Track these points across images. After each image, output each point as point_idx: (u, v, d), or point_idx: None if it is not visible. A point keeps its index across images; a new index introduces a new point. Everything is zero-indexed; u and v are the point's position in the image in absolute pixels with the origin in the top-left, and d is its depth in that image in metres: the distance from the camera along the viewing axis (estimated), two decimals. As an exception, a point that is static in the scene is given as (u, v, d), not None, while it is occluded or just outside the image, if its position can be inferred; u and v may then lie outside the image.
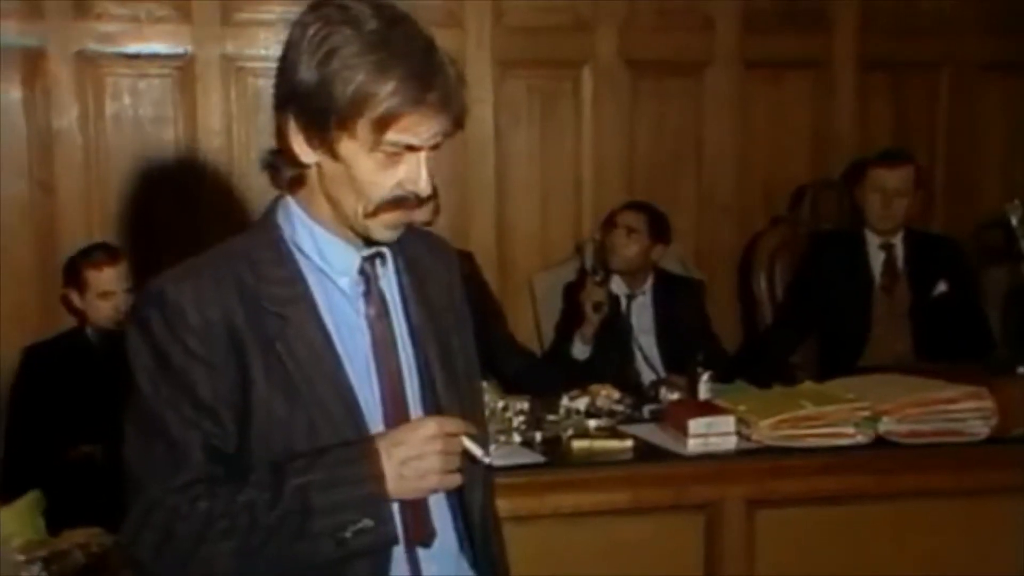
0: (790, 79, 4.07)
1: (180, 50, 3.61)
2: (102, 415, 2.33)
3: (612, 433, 2.56)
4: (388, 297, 1.43)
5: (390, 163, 1.32)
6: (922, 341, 3.48)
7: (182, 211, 3.55)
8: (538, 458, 2.40)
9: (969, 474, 2.43)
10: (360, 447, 1.32)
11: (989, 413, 2.46)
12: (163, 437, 1.31)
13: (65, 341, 3.17)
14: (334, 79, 1.29)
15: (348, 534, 1.30)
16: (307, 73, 1.31)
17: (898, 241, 3.58)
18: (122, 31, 3.56)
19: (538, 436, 2.52)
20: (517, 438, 2.45)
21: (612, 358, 3.44)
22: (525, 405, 2.65)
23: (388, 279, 1.45)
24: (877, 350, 3.47)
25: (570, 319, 3.51)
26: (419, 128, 1.31)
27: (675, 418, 2.54)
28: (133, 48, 3.57)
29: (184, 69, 3.61)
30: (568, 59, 3.97)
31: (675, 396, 2.79)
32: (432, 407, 1.42)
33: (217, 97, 3.64)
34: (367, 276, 1.42)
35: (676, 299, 3.58)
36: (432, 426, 1.34)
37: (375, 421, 1.38)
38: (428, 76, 1.30)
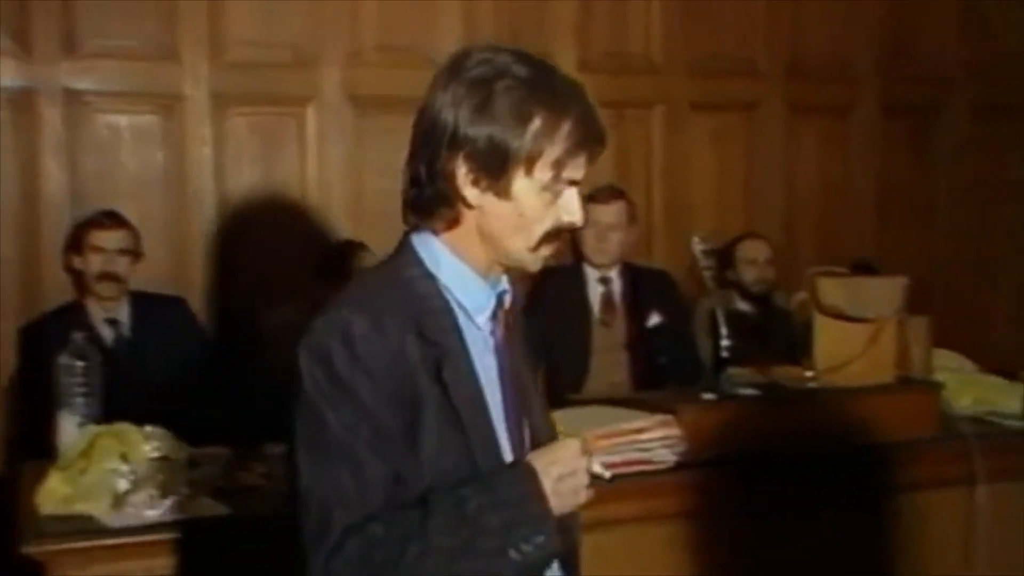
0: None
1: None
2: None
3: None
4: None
5: (555, 198, 1.44)
6: (638, 372, 3.59)
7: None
8: (220, 509, 2.29)
9: (658, 501, 2.50)
10: (520, 469, 1.42)
11: (676, 441, 2.53)
12: (350, 464, 1.35)
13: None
14: (509, 125, 1.40)
15: (528, 548, 1.37)
16: (475, 121, 1.41)
17: (615, 275, 3.70)
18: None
19: (232, 486, 2.40)
20: (200, 490, 2.33)
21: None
22: (222, 453, 2.56)
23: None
24: (596, 381, 3.56)
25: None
26: (586, 164, 1.45)
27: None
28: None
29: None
30: (291, 96, 3.91)
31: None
32: (534, 434, 1.53)
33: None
34: (495, 312, 1.50)
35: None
36: (577, 445, 1.45)
37: (506, 448, 1.48)
38: (593, 114, 1.44)
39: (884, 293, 2.75)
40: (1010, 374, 3.14)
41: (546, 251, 1.48)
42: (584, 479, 1.43)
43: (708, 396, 2.62)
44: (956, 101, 4.80)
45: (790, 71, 4.54)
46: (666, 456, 2.53)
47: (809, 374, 2.72)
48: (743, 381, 2.69)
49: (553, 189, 1.43)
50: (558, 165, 1.42)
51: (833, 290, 2.72)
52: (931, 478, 2.65)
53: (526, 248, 1.46)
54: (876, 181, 4.70)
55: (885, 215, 4.69)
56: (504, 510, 1.37)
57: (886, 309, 2.72)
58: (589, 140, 1.44)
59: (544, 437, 1.55)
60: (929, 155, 4.79)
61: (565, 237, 1.54)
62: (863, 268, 3.58)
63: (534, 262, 1.48)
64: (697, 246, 2.75)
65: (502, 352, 1.51)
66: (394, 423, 1.37)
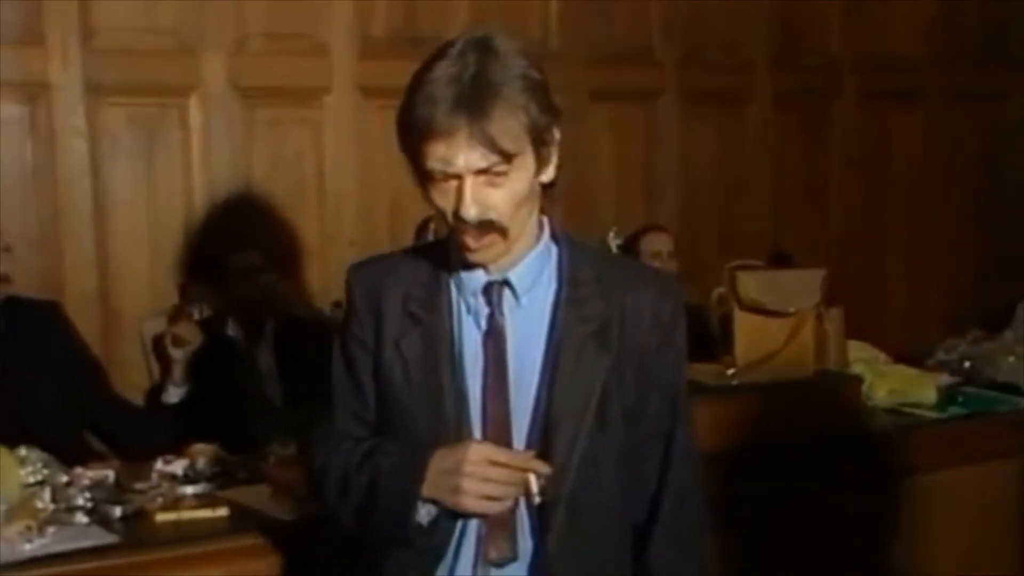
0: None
1: None
2: None
3: (206, 501, 2.30)
4: (508, 326, 1.47)
5: (448, 189, 1.39)
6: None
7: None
8: (108, 538, 2.08)
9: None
10: (422, 450, 1.45)
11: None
12: (336, 391, 1.57)
13: None
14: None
15: (385, 521, 1.47)
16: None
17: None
18: None
19: (118, 511, 2.21)
20: (83, 518, 2.12)
21: (227, 405, 3.17)
22: (107, 475, 2.35)
23: (522, 309, 1.48)
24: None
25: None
26: (446, 155, 1.37)
27: (277, 478, 2.32)
28: None
29: None
30: (172, 86, 3.66)
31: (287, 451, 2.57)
32: (536, 440, 1.46)
33: None
34: (490, 300, 1.47)
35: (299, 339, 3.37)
36: (476, 450, 1.42)
37: (476, 426, 1.47)
38: (434, 104, 1.36)
39: (803, 285, 2.70)
40: (917, 362, 3.15)
41: (471, 242, 1.42)
42: (462, 484, 1.41)
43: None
44: (845, 88, 4.83)
45: (685, 60, 4.50)
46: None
47: (730, 371, 2.65)
48: (663, 380, 2.60)
49: (432, 179, 1.41)
50: (419, 155, 1.40)
51: (752, 284, 2.65)
52: (854, 474, 2.60)
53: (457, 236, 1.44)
54: (771, 170, 4.70)
55: (781, 203, 4.70)
56: (391, 477, 1.47)
57: (805, 301, 2.66)
58: (427, 131, 1.37)
59: (570, 455, 1.46)
60: (821, 142, 4.82)
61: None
62: (780, 260, 3.54)
63: (468, 256, 1.45)
64: (613, 241, 2.65)
65: (499, 337, 1.48)
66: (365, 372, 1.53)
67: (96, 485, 2.26)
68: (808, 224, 4.69)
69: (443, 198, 1.41)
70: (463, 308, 1.50)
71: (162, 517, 2.19)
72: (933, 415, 2.86)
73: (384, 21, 3.93)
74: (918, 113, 4.99)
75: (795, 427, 2.55)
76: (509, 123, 1.37)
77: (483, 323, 1.49)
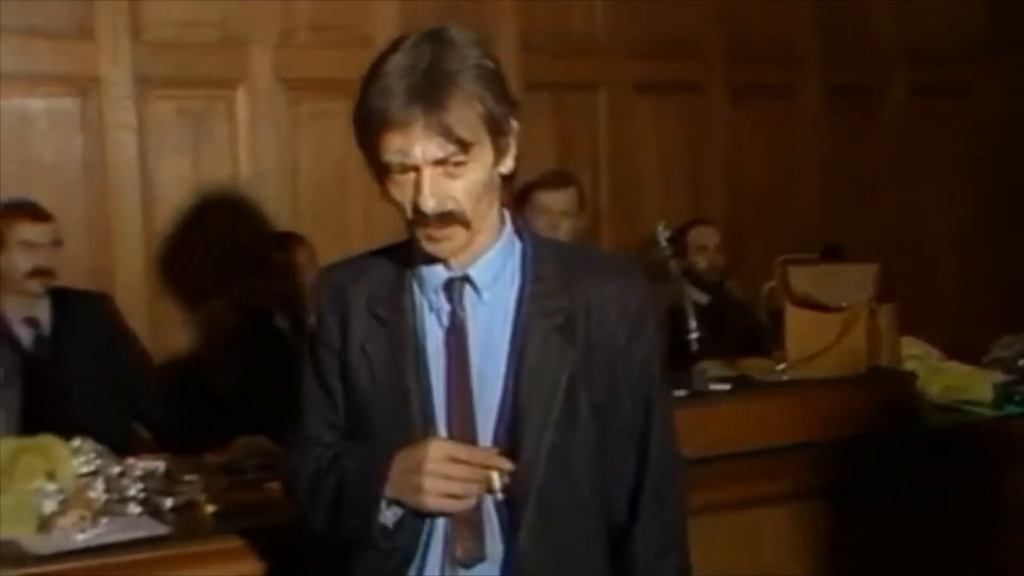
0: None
1: None
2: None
3: (255, 493, 2.30)
4: (471, 322, 1.46)
5: (406, 182, 1.37)
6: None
7: None
8: (160, 529, 2.09)
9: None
10: (385, 451, 1.43)
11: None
12: (306, 400, 1.56)
13: None
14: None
15: (353, 520, 1.45)
16: None
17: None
18: None
19: (169, 502, 2.22)
20: (135, 508, 2.13)
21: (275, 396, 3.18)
22: (158, 466, 2.35)
23: (485, 305, 1.47)
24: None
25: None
26: (405, 146, 1.35)
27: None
28: None
29: None
30: (220, 79, 3.68)
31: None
32: (503, 437, 1.43)
33: None
34: (451, 296, 1.46)
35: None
36: (436, 448, 1.40)
37: (440, 423, 1.45)
38: (388, 94, 1.34)
39: (855, 280, 2.65)
40: (970, 359, 3.09)
41: (435, 232, 1.40)
42: (422, 482, 1.39)
43: (679, 393, 2.49)
44: (895, 81, 4.76)
45: (732, 53, 4.45)
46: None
47: (780, 366, 2.61)
48: (714, 376, 2.57)
49: (390, 172, 1.38)
50: (374, 148, 1.38)
51: (804, 278, 2.61)
52: (911, 472, 2.56)
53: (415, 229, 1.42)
54: (820, 163, 4.64)
55: (830, 197, 4.64)
56: (356, 479, 1.46)
57: (858, 296, 2.62)
58: (383, 123, 1.35)
59: (540, 447, 1.43)
60: (871, 136, 4.75)
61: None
62: (832, 253, 3.48)
63: (428, 248, 1.43)
64: (662, 235, 2.62)
65: (460, 334, 1.46)
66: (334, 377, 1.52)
67: (147, 476, 2.27)
68: (858, 218, 4.62)
69: (401, 192, 1.39)
70: (426, 306, 1.48)
71: (212, 508, 2.19)
72: (989, 413, 2.80)
73: (428, 13, 3.91)
74: (968, 106, 4.91)
75: (848, 424, 2.51)
76: (465, 112, 1.36)
77: (445, 320, 1.47)
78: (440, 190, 1.37)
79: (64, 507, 2.04)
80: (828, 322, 2.59)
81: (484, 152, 1.40)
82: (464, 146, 1.36)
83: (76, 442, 2.18)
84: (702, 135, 4.44)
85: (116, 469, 2.15)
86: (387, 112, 1.34)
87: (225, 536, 2.11)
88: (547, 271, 1.48)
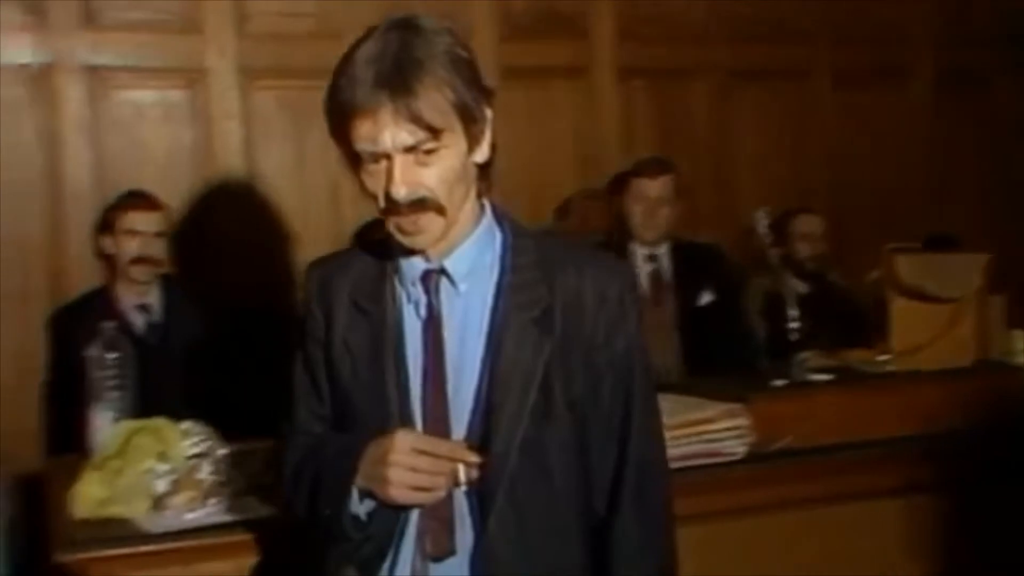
0: (554, 87, 3.99)
1: None
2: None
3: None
4: (447, 314, 1.45)
5: (378, 172, 1.36)
6: (690, 353, 3.43)
7: None
8: (264, 510, 2.11)
9: (727, 496, 2.34)
10: (357, 441, 1.43)
11: (745, 431, 2.37)
12: (297, 389, 1.57)
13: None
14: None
15: (325, 508, 1.45)
16: None
17: (664, 251, 3.53)
18: None
19: (270, 484, 2.27)
20: (240, 489, 2.18)
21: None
22: (259, 448, 2.41)
23: (462, 297, 1.46)
24: (646, 364, 3.40)
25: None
26: (374, 133, 1.34)
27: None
28: None
29: None
30: (319, 69, 3.72)
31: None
32: (478, 429, 1.43)
33: None
34: (428, 288, 1.45)
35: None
36: (402, 439, 1.40)
37: (416, 414, 1.44)
38: (355, 80, 1.33)
39: (965, 270, 2.58)
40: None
41: (407, 226, 1.39)
42: (388, 474, 1.39)
43: (779, 383, 2.46)
44: (1007, 65, 4.60)
45: (839, 38, 4.35)
46: (735, 448, 2.38)
47: (884, 357, 2.55)
48: (815, 366, 2.53)
49: (362, 162, 1.38)
50: (344, 136, 1.37)
51: (911, 267, 2.55)
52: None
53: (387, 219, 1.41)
54: (929, 149, 4.51)
55: (939, 185, 4.50)
56: (330, 468, 1.46)
57: (967, 287, 2.54)
58: (351, 111, 1.35)
59: (511, 441, 1.42)
60: (983, 122, 4.59)
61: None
62: (940, 242, 3.39)
63: (403, 241, 1.42)
64: (762, 222, 2.58)
65: (436, 326, 1.45)
66: (320, 373, 1.53)
67: (253, 457, 2.33)
68: (968, 207, 4.48)
69: (374, 181, 1.38)
70: (405, 298, 1.48)
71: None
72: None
73: (525, 2, 3.93)
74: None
75: (954, 418, 2.45)
76: (434, 98, 1.34)
77: (423, 312, 1.46)
78: (411, 177, 1.36)
79: (175, 487, 2.11)
80: (935, 313, 2.53)
81: (456, 139, 1.38)
82: (434, 132, 1.35)
83: (186, 424, 2.24)
84: (806, 120, 4.36)
85: (223, 450, 2.21)
86: (354, 99, 1.34)
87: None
88: (526, 262, 1.47)
